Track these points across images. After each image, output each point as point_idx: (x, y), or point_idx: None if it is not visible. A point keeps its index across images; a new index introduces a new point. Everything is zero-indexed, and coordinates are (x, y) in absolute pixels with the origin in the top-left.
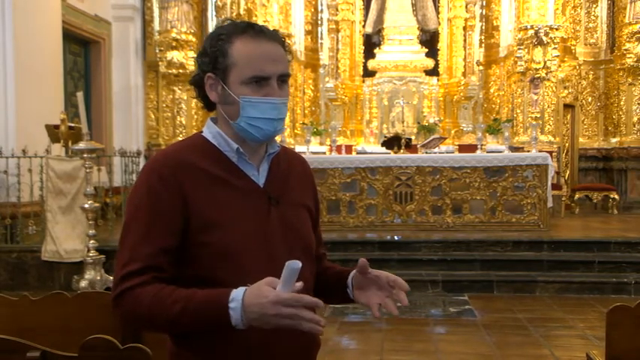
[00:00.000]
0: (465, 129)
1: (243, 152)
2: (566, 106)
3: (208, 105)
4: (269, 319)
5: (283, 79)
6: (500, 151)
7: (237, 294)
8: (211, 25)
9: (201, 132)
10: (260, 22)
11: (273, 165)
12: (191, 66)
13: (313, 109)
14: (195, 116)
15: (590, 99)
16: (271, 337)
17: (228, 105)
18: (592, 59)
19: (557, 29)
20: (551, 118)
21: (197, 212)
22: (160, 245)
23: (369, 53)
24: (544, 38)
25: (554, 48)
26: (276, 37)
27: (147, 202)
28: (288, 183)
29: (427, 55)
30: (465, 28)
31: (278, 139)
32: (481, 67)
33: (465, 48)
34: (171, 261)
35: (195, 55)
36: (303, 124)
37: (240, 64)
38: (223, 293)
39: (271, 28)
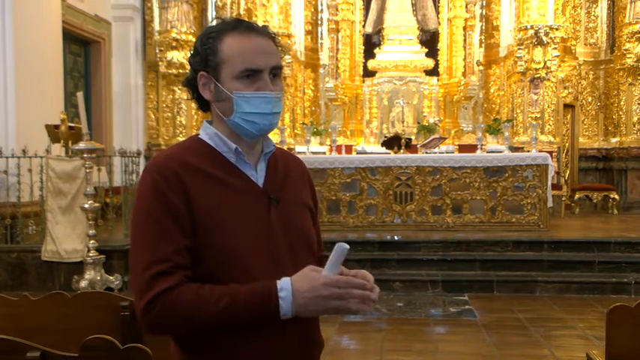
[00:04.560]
0: (465, 129)
1: (242, 152)
2: (566, 106)
3: (203, 105)
4: (319, 301)
5: (275, 72)
6: (500, 151)
7: (284, 283)
8: None
9: (198, 134)
10: (260, 22)
11: (270, 165)
12: None
13: (313, 109)
14: (196, 116)
15: (590, 99)
16: (276, 339)
17: (221, 102)
18: (592, 59)
19: (557, 29)
20: (551, 118)
21: (200, 214)
22: (181, 243)
23: (369, 53)
24: (544, 38)
25: (554, 48)
26: (266, 32)
27: (158, 202)
28: (286, 182)
29: (427, 55)
30: (465, 28)
31: (277, 139)
32: (481, 67)
33: (465, 48)
34: (190, 259)
35: None
36: (303, 124)
37: (231, 60)
38: (269, 285)
39: (262, 25)
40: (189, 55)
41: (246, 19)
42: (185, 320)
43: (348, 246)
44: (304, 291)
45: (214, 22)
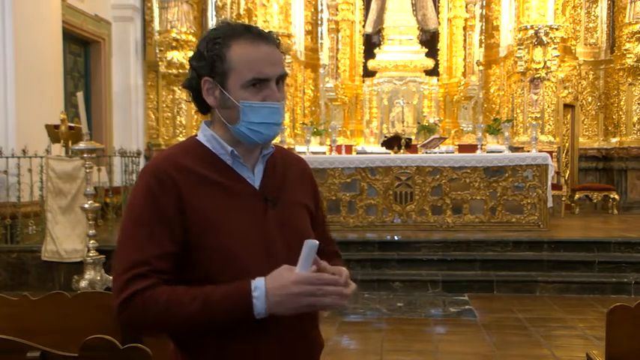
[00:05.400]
0: (465, 129)
1: (238, 155)
2: (566, 106)
3: (202, 108)
4: (292, 299)
5: (281, 79)
6: (500, 151)
7: (258, 283)
8: (211, 25)
9: (196, 135)
10: (260, 22)
11: (268, 166)
12: None
13: (313, 109)
14: (195, 116)
15: (590, 99)
16: (276, 340)
17: (227, 109)
18: (592, 59)
19: (557, 29)
20: (551, 118)
21: (195, 217)
22: (165, 248)
23: (369, 53)
24: (544, 38)
25: (554, 48)
26: (272, 40)
27: (148, 206)
28: (284, 183)
29: (427, 55)
30: (465, 28)
31: (278, 139)
32: (481, 67)
33: (465, 48)
34: (174, 265)
35: None
36: (303, 124)
37: (239, 68)
38: (243, 284)
39: (267, 30)
40: (189, 55)
41: (251, 25)
42: (157, 320)
43: (317, 242)
44: (276, 289)
45: (219, 26)
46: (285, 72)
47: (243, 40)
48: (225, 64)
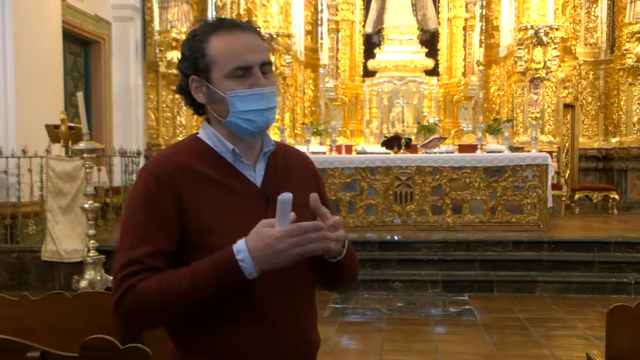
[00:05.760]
0: (465, 129)
1: (239, 153)
2: (566, 106)
3: (197, 109)
4: (278, 255)
5: (266, 67)
6: (500, 151)
7: (240, 246)
8: None
9: (197, 134)
10: (260, 22)
11: (269, 164)
12: None
13: (313, 109)
14: (195, 116)
15: (590, 99)
16: (273, 338)
17: (216, 104)
18: (592, 59)
19: (557, 29)
20: (551, 118)
21: (194, 216)
22: (159, 246)
23: (369, 53)
24: (544, 38)
25: (554, 48)
26: (250, 28)
27: (145, 206)
28: (286, 181)
29: (427, 55)
30: (465, 28)
31: (278, 139)
32: (481, 67)
33: (465, 48)
34: (169, 263)
35: None
36: (303, 124)
37: (220, 60)
38: (226, 252)
39: (265, 29)
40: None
41: (227, 17)
42: (153, 308)
43: (289, 195)
44: (260, 249)
45: (199, 25)
46: (267, 59)
47: (220, 32)
48: (207, 58)
